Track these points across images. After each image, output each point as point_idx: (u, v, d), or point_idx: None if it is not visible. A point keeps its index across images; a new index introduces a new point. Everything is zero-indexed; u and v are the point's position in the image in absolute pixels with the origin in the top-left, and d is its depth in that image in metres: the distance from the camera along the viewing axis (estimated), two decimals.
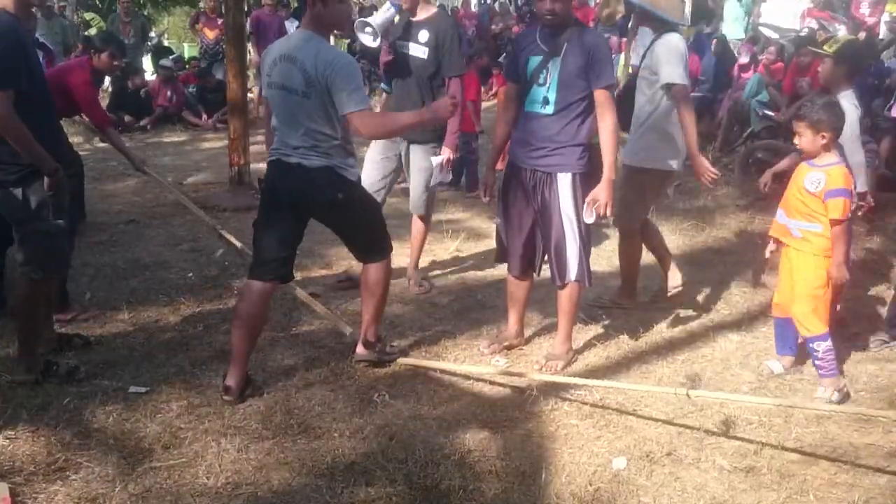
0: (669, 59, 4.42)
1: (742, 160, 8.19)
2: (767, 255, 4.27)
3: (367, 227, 3.84)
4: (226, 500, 2.95)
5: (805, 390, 4.00)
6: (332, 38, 10.85)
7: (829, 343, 3.85)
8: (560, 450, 3.34)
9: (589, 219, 3.87)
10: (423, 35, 4.73)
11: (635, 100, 4.63)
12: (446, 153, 4.84)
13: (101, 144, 7.52)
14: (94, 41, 5.83)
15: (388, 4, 4.76)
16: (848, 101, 4.25)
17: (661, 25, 4.56)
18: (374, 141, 4.87)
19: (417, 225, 5.22)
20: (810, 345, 3.89)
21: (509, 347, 4.32)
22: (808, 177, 3.91)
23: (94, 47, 5.64)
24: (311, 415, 3.56)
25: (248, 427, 3.44)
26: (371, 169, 4.95)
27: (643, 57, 4.68)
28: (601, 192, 3.81)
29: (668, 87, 4.43)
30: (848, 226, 3.90)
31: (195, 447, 3.28)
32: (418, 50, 4.75)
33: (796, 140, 3.95)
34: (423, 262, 5.83)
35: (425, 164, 4.89)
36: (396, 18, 4.84)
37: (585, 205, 3.84)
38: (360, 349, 4.04)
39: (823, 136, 3.86)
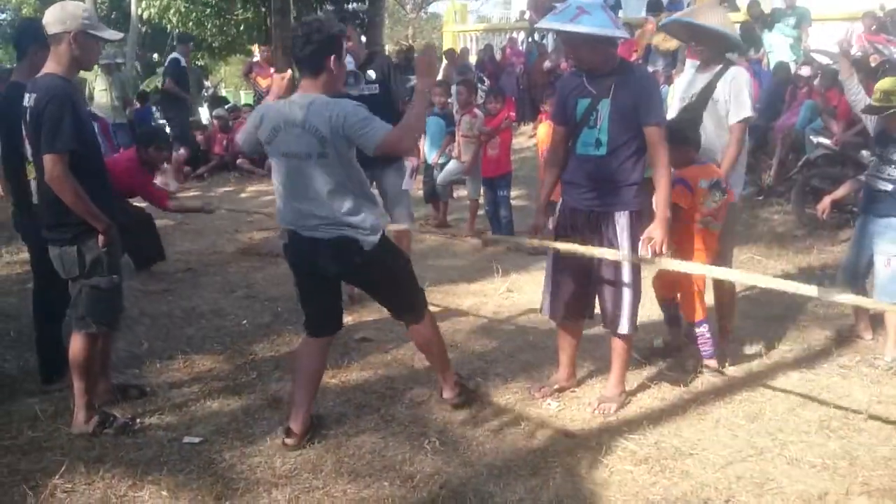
0: (744, 93, 4.37)
1: (798, 189, 8.00)
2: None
3: (394, 287, 3.77)
4: None
5: (870, 430, 3.85)
6: None
7: None
8: (613, 497, 3.26)
9: (645, 257, 3.80)
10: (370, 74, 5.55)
11: (703, 133, 4.41)
12: (414, 161, 6.10)
13: None
14: (140, 137, 6.08)
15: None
16: None
17: (721, 55, 4.49)
18: None
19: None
20: None
21: (560, 390, 4.25)
22: None
23: (140, 142, 5.89)
24: (361, 463, 3.55)
25: (299, 477, 3.45)
26: None
27: (711, 90, 4.43)
28: (656, 230, 3.74)
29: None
30: None
31: (246, 498, 3.29)
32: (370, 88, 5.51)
33: None
34: (474, 304, 5.83)
35: (399, 180, 5.59)
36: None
37: (640, 242, 3.77)
38: (446, 394, 4.07)
39: None
